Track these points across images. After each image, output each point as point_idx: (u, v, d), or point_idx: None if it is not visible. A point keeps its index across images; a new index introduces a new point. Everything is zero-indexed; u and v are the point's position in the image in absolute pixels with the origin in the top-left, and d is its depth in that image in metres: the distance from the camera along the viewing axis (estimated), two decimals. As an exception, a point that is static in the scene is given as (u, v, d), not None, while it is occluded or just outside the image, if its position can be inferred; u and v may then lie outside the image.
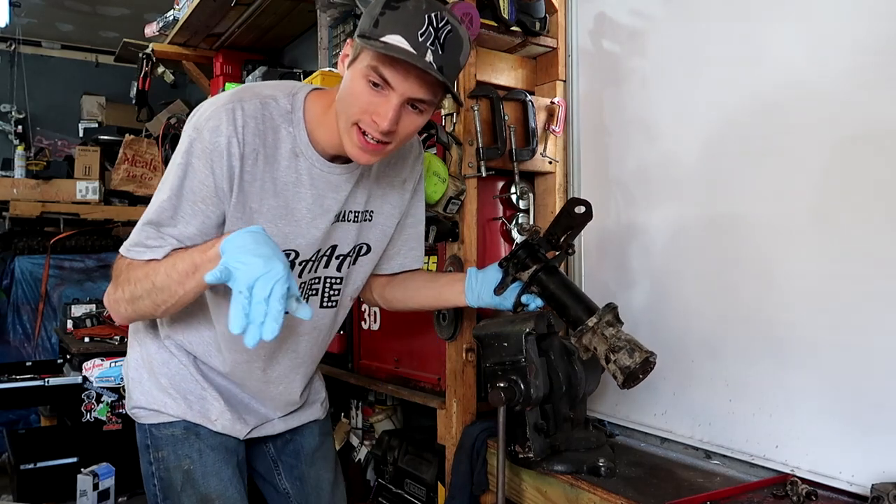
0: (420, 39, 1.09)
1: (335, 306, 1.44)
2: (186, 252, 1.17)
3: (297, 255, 1.31)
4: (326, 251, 1.36)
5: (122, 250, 1.23)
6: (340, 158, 1.29)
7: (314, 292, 1.39)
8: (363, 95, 1.14)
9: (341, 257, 1.39)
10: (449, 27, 1.12)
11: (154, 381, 1.39)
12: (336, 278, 1.41)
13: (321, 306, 1.41)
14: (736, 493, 1.30)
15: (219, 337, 1.36)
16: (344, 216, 1.35)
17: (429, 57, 1.10)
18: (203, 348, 1.38)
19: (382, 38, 1.10)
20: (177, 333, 1.39)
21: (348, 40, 1.19)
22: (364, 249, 1.43)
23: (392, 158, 1.39)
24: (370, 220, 1.41)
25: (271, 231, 1.25)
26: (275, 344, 1.37)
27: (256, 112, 1.20)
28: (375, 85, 1.13)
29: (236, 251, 1.06)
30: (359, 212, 1.37)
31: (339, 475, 1.63)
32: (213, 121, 1.17)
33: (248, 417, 1.44)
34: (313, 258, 1.35)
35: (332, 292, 1.42)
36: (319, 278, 1.39)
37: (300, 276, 1.34)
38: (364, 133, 1.16)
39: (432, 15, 1.11)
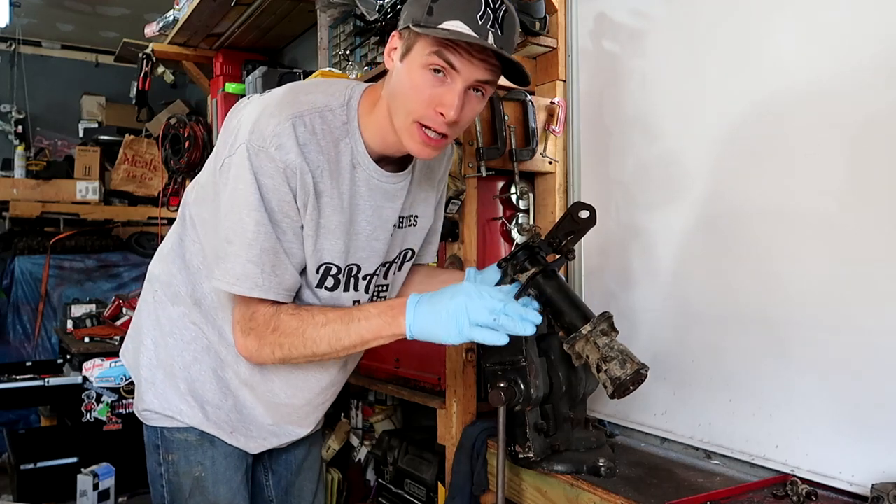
0: (480, 23, 1.06)
1: None
2: (348, 325, 1.17)
3: (360, 269, 1.29)
4: (383, 262, 1.34)
5: (231, 289, 1.18)
6: (386, 161, 1.25)
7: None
8: (425, 87, 1.10)
9: (388, 264, 1.36)
10: (504, 7, 1.09)
11: (171, 385, 1.34)
12: (383, 286, 1.39)
13: None
14: (736, 493, 1.30)
15: None
16: (396, 224, 1.32)
17: (490, 39, 1.07)
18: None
19: (441, 26, 1.06)
20: (225, 344, 1.32)
21: (394, 33, 1.16)
22: (409, 255, 1.41)
23: (432, 159, 1.35)
24: (415, 225, 1.38)
25: (337, 247, 1.23)
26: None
27: (316, 127, 1.16)
28: (437, 72, 1.09)
29: (425, 329, 1.15)
30: (406, 217, 1.35)
31: (320, 484, 1.62)
32: (277, 138, 1.12)
33: (271, 439, 1.42)
34: (377, 272, 1.32)
35: (379, 300, 1.39)
36: (375, 287, 1.36)
37: (366, 290, 1.32)
38: (426, 128, 1.13)
39: None
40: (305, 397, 1.39)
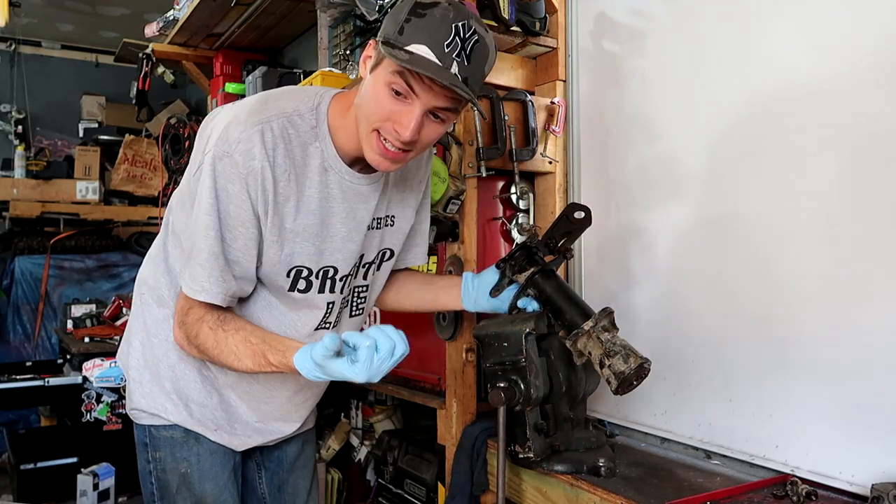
0: (446, 50, 1.07)
1: (361, 314, 1.44)
2: (252, 349, 1.18)
3: (336, 271, 1.30)
4: (358, 262, 1.35)
5: (184, 288, 1.23)
6: (360, 163, 1.26)
7: (345, 304, 1.38)
8: (385, 103, 1.12)
9: (367, 265, 1.38)
10: (476, 37, 1.09)
11: (156, 384, 1.37)
12: (363, 286, 1.40)
13: (350, 316, 1.41)
14: (736, 493, 1.30)
15: None
16: (370, 225, 1.34)
17: (454, 69, 1.07)
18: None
19: (407, 48, 1.07)
20: None
21: (371, 41, 1.16)
22: (388, 255, 1.42)
23: (411, 161, 1.37)
24: (392, 225, 1.39)
25: (308, 250, 1.25)
26: None
27: (284, 132, 1.18)
28: (398, 93, 1.10)
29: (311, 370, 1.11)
30: (381, 218, 1.36)
31: (314, 482, 1.63)
32: (243, 144, 1.14)
33: (255, 436, 1.43)
34: (352, 273, 1.34)
35: (359, 300, 1.41)
36: (352, 289, 1.38)
37: (342, 291, 1.34)
38: (384, 140, 1.14)
39: (459, 25, 1.08)
40: (285, 395, 1.41)
